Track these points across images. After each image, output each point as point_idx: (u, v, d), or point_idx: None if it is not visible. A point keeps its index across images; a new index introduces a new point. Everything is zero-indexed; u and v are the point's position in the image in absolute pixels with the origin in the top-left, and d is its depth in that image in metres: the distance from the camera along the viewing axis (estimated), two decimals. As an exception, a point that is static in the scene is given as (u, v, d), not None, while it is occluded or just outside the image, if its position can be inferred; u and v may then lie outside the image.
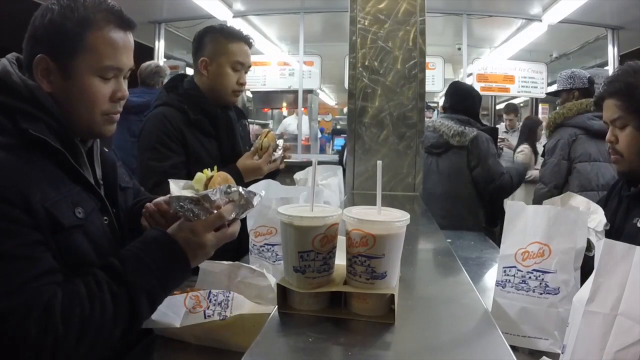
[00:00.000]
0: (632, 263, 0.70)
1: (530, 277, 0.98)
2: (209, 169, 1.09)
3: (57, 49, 0.89)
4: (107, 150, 1.08)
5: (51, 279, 0.78)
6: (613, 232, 1.25)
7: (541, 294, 0.97)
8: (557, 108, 2.63)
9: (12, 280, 0.74)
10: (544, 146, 2.65)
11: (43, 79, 0.90)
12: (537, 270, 0.97)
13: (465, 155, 2.56)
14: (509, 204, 1.04)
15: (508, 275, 1.01)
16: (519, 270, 0.99)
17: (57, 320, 0.73)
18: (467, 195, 2.58)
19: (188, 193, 0.97)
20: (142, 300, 0.83)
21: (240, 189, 0.95)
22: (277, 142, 1.75)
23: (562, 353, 0.79)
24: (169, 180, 1.03)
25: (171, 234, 0.90)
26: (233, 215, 0.94)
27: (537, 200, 2.55)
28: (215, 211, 0.91)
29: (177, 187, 1.03)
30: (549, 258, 0.96)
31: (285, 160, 1.80)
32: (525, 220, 1.01)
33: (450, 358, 0.66)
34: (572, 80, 2.58)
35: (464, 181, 2.57)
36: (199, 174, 1.06)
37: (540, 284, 0.97)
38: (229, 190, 0.93)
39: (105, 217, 0.97)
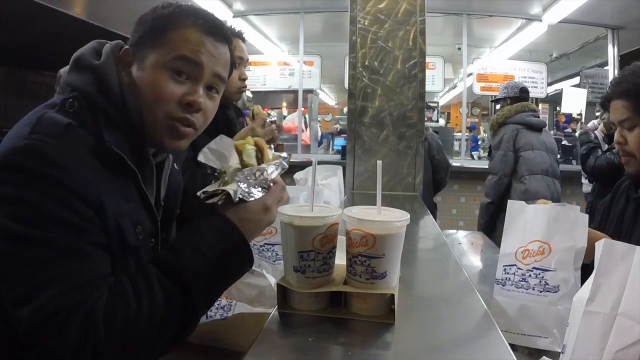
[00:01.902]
0: (632, 263, 0.70)
1: (530, 275, 0.98)
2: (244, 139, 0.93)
3: (138, 41, 0.86)
4: (177, 168, 1.03)
5: (105, 282, 0.73)
6: (622, 234, 1.23)
7: (541, 291, 0.97)
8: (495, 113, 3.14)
9: (74, 277, 0.69)
10: (489, 146, 3.10)
11: (123, 71, 0.87)
12: (537, 269, 0.97)
13: (426, 146, 2.96)
14: (510, 203, 1.05)
15: (508, 273, 1.01)
16: (519, 268, 1.00)
17: (99, 323, 0.68)
18: (428, 180, 2.98)
19: (234, 165, 0.85)
20: (200, 297, 0.75)
21: (283, 157, 0.89)
22: (271, 113, 1.76)
23: (562, 353, 0.79)
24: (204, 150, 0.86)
25: (237, 218, 0.80)
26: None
27: (490, 189, 2.86)
28: (272, 184, 0.84)
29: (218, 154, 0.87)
30: (549, 256, 0.97)
31: (277, 135, 1.77)
32: (525, 219, 1.01)
33: (450, 358, 0.67)
34: (506, 90, 3.06)
35: (426, 167, 2.82)
36: (248, 148, 0.87)
37: (540, 282, 0.97)
38: (280, 163, 0.87)
39: (152, 240, 0.90)
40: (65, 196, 0.71)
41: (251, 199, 0.81)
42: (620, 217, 1.30)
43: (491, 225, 2.81)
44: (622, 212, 1.30)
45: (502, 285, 1.02)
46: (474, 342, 0.71)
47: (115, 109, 0.83)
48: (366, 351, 0.65)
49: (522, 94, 2.98)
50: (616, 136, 1.26)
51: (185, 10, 0.87)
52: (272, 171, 0.84)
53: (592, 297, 0.72)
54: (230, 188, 0.80)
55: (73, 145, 0.76)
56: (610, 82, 1.30)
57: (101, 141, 0.79)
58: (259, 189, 0.82)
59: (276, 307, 0.76)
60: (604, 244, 0.72)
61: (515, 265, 1.01)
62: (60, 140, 0.74)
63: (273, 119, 1.74)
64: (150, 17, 0.87)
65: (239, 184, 0.80)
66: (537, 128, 2.78)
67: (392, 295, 0.72)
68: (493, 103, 3.29)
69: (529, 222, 1.01)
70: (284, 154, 0.91)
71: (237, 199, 0.79)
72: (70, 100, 0.81)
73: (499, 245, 1.08)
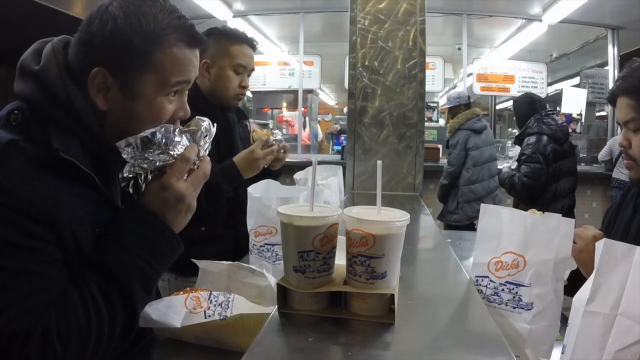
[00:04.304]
0: (632, 263, 0.70)
1: (503, 290, 0.92)
2: None
3: (119, 65, 0.80)
4: None
5: (58, 298, 0.75)
6: (629, 242, 1.17)
7: (514, 307, 0.91)
8: (451, 118, 4.16)
9: (29, 300, 0.71)
10: (447, 142, 4.17)
11: (98, 94, 0.82)
12: (511, 283, 0.91)
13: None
14: (483, 207, 0.98)
15: (480, 285, 0.95)
16: (491, 281, 0.93)
17: (54, 340, 0.70)
18: None
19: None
20: (135, 288, 0.77)
21: (189, 128, 0.88)
22: (273, 132, 1.71)
23: (563, 353, 0.79)
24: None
25: (144, 204, 0.82)
26: (195, 154, 0.86)
27: (447, 175, 3.96)
28: (174, 153, 0.83)
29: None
30: (524, 270, 0.89)
31: (282, 156, 1.72)
32: (499, 226, 0.94)
33: (450, 358, 0.66)
34: (459, 99, 4.12)
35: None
36: None
37: (514, 297, 0.91)
38: (180, 131, 0.86)
39: None
40: (14, 219, 0.71)
41: (143, 173, 0.82)
42: (627, 227, 1.20)
43: (445, 195, 4.05)
44: (629, 222, 1.21)
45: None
46: (474, 342, 0.71)
47: (63, 113, 0.80)
48: (366, 351, 0.65)
49: (469, 101, 4.18)
50: (620, 139, 1.15)
51: (163, 22, 0.82)
52: (163, 139, 0.82)
53: (592, 297, 0.72)
54: (126, 169, 0.82)
55: (15, 163, 0.74)
56: (619, 75, 1.16)
57: (50, 150, 0.76)
58: (156, 162, 0.82)
59: (276, 307, 0.76)
60: (604, 244, 0.72)
61: (487, 277, 0.94)
62: (1, 161, 0.73)
63: (277, 137, 1.67)
64: (126, 37, 0.79)
65: (134, 160, 0.82)
66: (480, 131, 3.95)
67: (392, 295, 0.72)
68: (449, 109, 4.27)
69: (504, 230, 0.93)
70: (205, 124, 0.89)
71: (125, 174, 0.82)
72: (15, 111, 0.79)
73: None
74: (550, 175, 3.21)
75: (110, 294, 0.76)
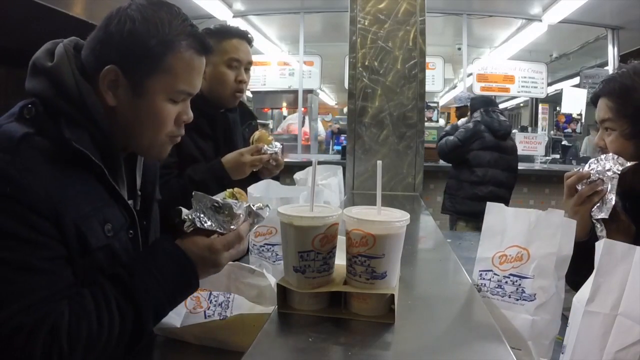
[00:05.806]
0: (632, 263, 0.70)
1: (506, 282, 0.93)
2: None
3: (133, 65, 0.84)
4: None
5: (65, 294, 0.75)
6: None
7: (517, 299, 0.92)
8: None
9: (32, 295, 0.71)
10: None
11: (108, 91, 0.85)
12: (514, 275, 0.92)
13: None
14: (489, 205, 1.00)
15: (484, 279, 0.96)
16: (495, 274, 0.95)
17: (63, 339, 0.71)
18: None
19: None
20: (149, 316, 0.80)
21: (255, 206, 0.93)
22: (273, 142, 1.68)
23: (563, 353, 0.79)
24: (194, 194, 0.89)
25: (185, 248, 0.85)
26: (247, 233, 0.92)
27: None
28: (233, 227, 0.87)
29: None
30: (527, 262, 0.91)
31: (272, 168, 1.65)
32: (504, 223, 0.96)
33: (450, 358, 0.67)
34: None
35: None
36: (224, 194, 0.97)
37: (517, 289, 0.92)
38: (248, 208, 0.91)
39: (131, 231, 0.93)
40: (21, 213, 0.72)
41: (199, 226, 0.85)
42: None
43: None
44: None
45: (478, 291, 0.97)
46: (474, 342, 0.71)
47: (75, 109, 0.82)
48: (366, 351, 0.65)
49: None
50: (597, 139, 1.20)
51: (178, 29, 0.86)
52: (234, 211, 0.87)
53: (592, 297, 0.72)
54: (187, 212, 0.85)
55: (28, 157, 0.76)
56: (603, 79, 1.23)
57: (61, 143, 0.79)
58: (214, 224, 0.86)
59: (276, 307, 0.76)
60: (604, 244, 0.72)
61: (491, 270, 0.95)
62: (14, 154, 0.75)
63: (274, 150, 1.61)
64: (143, 39, 0.83)
65: (196, 211, 0.85)
66: None
67: (392, 295, 0.72)
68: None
69: (509, 226, 0.95)
70: (267, 207, 0.95)
71: (183, 218, 0.84)
72: (29, 106, 0.81)
73: None
74: (472, 159, 3.61)
75: (126, 313, 0.78)
